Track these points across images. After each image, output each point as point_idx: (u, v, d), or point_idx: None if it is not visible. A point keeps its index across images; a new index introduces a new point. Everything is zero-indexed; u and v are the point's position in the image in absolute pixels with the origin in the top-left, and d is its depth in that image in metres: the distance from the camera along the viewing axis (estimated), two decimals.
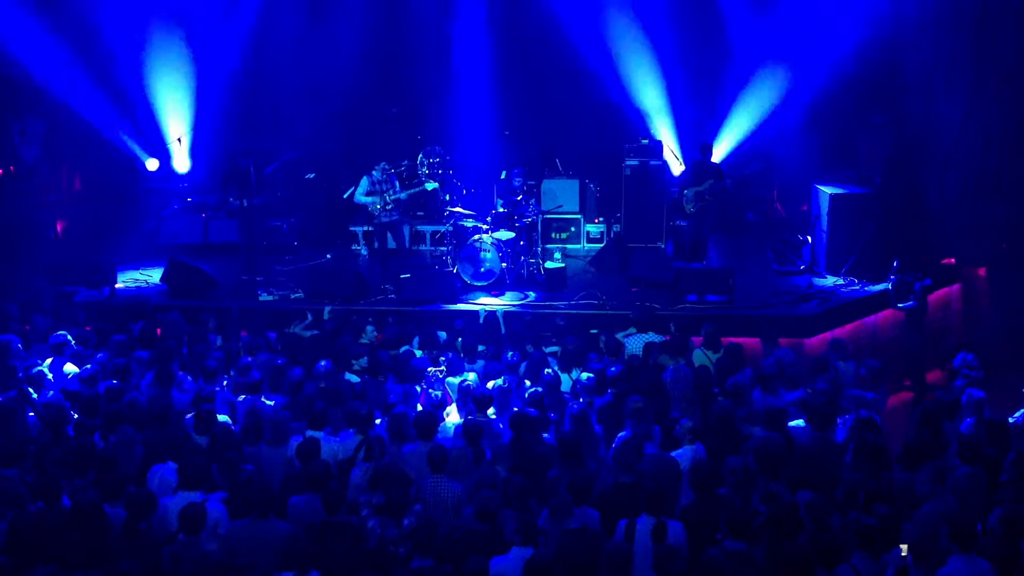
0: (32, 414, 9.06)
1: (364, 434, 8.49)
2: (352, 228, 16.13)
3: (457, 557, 6.71)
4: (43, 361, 10.25)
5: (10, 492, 7.38)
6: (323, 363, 10.03)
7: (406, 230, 15.37)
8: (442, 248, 15.17)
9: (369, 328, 11.52)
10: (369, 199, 13.90)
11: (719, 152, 15.67)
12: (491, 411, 9.17)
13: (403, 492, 7.42)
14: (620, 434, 8.58)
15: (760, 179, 17.03)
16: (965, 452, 7.83)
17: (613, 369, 9.77)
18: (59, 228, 15.82)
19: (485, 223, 14.30)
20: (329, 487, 7.41)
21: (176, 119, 17.06)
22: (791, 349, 11.24)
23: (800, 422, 8.97)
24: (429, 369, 10.05)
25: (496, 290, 13.79)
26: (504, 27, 16.94)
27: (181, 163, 17.17)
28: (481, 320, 12.40)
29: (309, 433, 8.56)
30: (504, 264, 13.96)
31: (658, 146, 16.19)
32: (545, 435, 8.77)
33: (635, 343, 11.01)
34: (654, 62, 16.40)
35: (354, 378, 10.06)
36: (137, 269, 14.79)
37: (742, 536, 6.70)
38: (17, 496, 7.40)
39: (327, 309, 12.52)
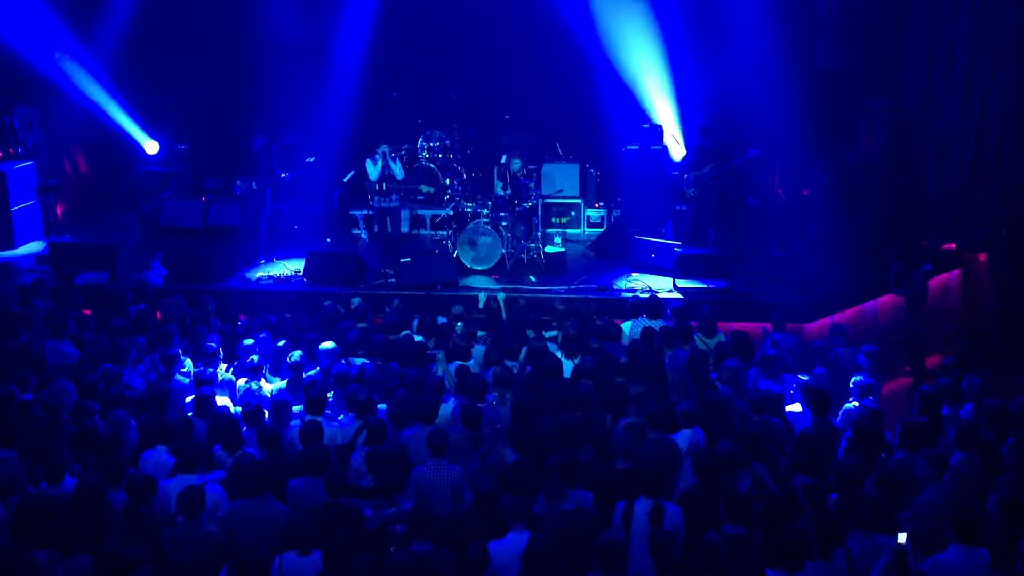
0: (30, 395, 9.07)
1: (364, 419, 8.52)
2: (352, 212, 16.12)
3: (456, 540, 6.74)
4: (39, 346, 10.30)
5: (12, 475, 7.42)
6: (327, 346, 10.05)
7: (406, 214, 15.38)
8: (442, 232, 15.17)
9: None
10: (375, 169, 13.93)
11: (719, 137, 15.63)
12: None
13: (400, 475, 7.45)
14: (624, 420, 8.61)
15: (761, 164, 17.00)
16: (962, 438, 7.83)
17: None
18: (59, 211, 15.81)
19: (485, 207, 14.31)
20: (330, 470, 7.43)
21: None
22: (791, 334, 11.24)
23: (797, 406, 8.99)
24: (428, 353, 10.07)
25: (496, 274, 13.79)
26: (504, 11, 16.88)
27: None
28: (481, 305, 12.41)
29: (308, 417, 8.57)
30: (504, 249, 13.96)
31: (659, 130, 16.15)
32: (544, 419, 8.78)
33: (638, 328, 11.01)
34: (656, 46, 16.35)
35: (356, 361, 10.07)
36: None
37: (740, 520, 6.72)
38: (19, 479, 7.43)
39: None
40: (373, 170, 13.98)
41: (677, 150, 16.25)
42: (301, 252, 14.27)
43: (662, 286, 13.24)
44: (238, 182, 15.28)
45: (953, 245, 14.17)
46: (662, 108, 16.42)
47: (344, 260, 13.78)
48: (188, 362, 10.14)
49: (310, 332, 10.95)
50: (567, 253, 14.65)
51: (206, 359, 9.95)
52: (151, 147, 16.91)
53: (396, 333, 10.88)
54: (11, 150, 15.95)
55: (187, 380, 9.72)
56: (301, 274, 13.80)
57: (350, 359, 10.05)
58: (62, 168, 17.23)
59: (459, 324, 11.11)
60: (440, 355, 10.14)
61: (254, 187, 14.27)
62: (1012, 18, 12.95)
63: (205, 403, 8.84)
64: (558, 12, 16.34)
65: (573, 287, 13.30)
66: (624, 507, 7.11)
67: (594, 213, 16.40)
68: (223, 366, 10.16)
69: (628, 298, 12.23)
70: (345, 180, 16.08)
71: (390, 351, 10.25)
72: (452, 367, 9.93)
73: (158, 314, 11.57)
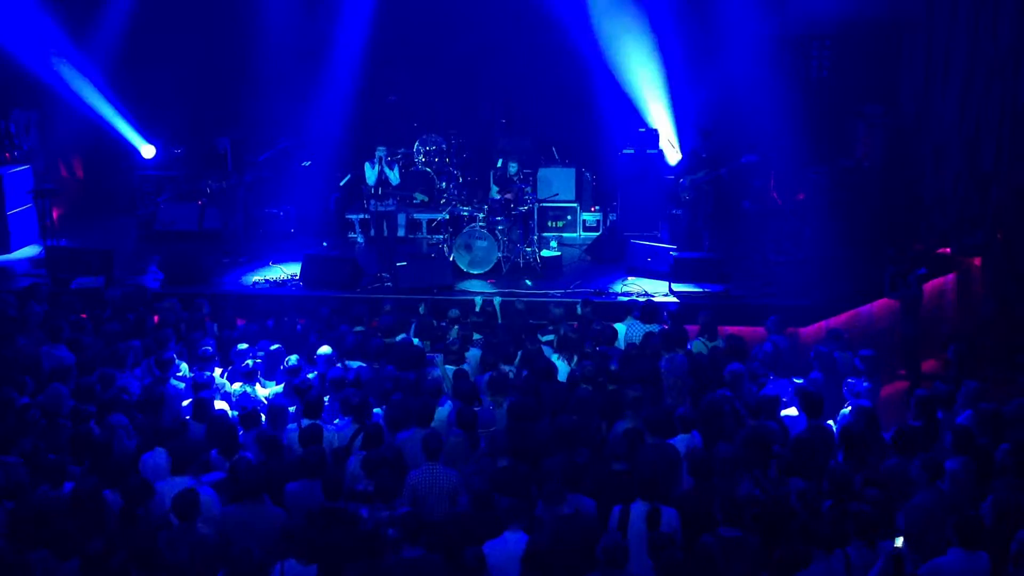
0: (27, 399, 9.06)
1: (361, 422, 8.52)
2: (348, 216, 16.12)
3: (451, 544, 6.73)
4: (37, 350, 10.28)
5: (12, 478, 7.42)
6: (324, 351, 10.03)
7: (402, 219, 15.39)
8: (439, 236, 15.18)
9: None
10: (372, 173, 13.97)
11: (715, 141, 15.64)
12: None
13: (396, 479, 7.44)
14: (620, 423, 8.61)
15: (757, 168, 17.02)
16: (958, 442, 7.84)
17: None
18: (55, 216, 15.80)
19: (481, 211, 14.32)
20: (327, 473, 7.43)
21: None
22: (785, 337, 11.25)
23: (793, 411, 8.99)
24: (425, 357, 10.07)
25: (492, 278, 13.80)
26: (501, 15, 16.91)
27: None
28: (477, 308, 12.41)
29: (305, 421, 8.57)
30: (500, 252, 13.96)
31: (654, 134, 16.17)
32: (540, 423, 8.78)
33: (633, 331, 11.02)
34: (652, 50, 16.36)
35: (352, 364, 10.07)
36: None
37: (736, 523, 6.73)
38: (19, 482, 7.43)
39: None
40: (371, 173, 13.99)
41: (673, 154, 16.27)
42: (297, 256, 14.28)
43: (658, 290, 13.26)
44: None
45: (948, 250, 14.20)
46: (658, 112, 16.42)
47: (340, 264, 13.78)
48: (184, 366, 10.14)
49: (306, 336, 10.95)
50: (563, 257, 14.66)
51: (202, 363, 9.95)
52: (147, 151, 16.91)
53: (392, 336, 10.88)
54: (7, 154, 15.95)
55: (182, 384, 9.71)
56: (297, 278, 13.80)
57: (346, 363, 10.06)
58: (58, 172, 17.22)
59: (455, 328, 11.12)
60: (439, 359, 10.14)
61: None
62: (1008, 25, 12.99)
63: (203, 407, 8.83)
64: (555, 17, 16.36)
65: (569, 291, 13.31)
66: (620, 510, 7.11)
67: (590, 217, 16.41)
68: (218, 370, 10.16)
69: (624, 302, 12.22)
70: (341, 184, 16.09)
71: (386, 355, 10.25)
72: (448, 371, 9.93)
73: (155, 318, 11.55)
